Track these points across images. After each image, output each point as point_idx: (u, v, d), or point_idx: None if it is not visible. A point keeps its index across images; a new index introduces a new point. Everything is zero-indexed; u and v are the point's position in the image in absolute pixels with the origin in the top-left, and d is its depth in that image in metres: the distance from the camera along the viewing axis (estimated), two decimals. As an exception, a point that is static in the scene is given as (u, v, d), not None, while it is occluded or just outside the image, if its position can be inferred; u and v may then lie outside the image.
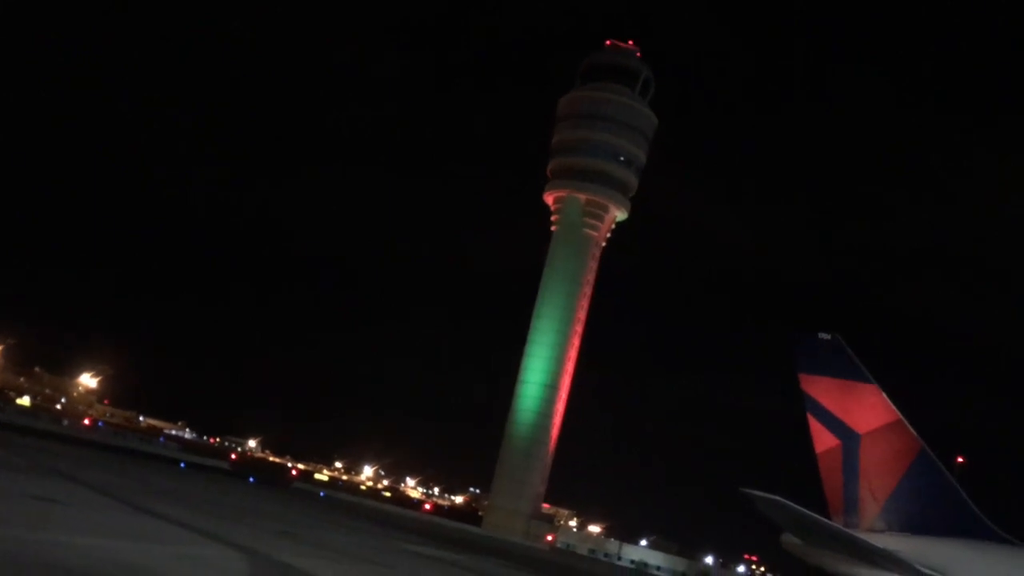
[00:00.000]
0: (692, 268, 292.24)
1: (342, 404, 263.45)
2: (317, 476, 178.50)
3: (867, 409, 37.84)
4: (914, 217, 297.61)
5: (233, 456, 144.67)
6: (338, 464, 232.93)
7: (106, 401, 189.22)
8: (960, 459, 43.86)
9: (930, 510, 35.86)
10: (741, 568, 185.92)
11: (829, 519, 36.91)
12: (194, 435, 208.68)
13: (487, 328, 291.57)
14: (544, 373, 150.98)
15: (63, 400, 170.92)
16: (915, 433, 37.30)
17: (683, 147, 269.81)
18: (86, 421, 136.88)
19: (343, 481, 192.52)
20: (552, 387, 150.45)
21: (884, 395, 37.95)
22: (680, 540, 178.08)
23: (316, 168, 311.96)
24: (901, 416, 37.53)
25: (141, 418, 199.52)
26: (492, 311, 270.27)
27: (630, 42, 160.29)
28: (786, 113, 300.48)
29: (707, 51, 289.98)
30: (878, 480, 36.88)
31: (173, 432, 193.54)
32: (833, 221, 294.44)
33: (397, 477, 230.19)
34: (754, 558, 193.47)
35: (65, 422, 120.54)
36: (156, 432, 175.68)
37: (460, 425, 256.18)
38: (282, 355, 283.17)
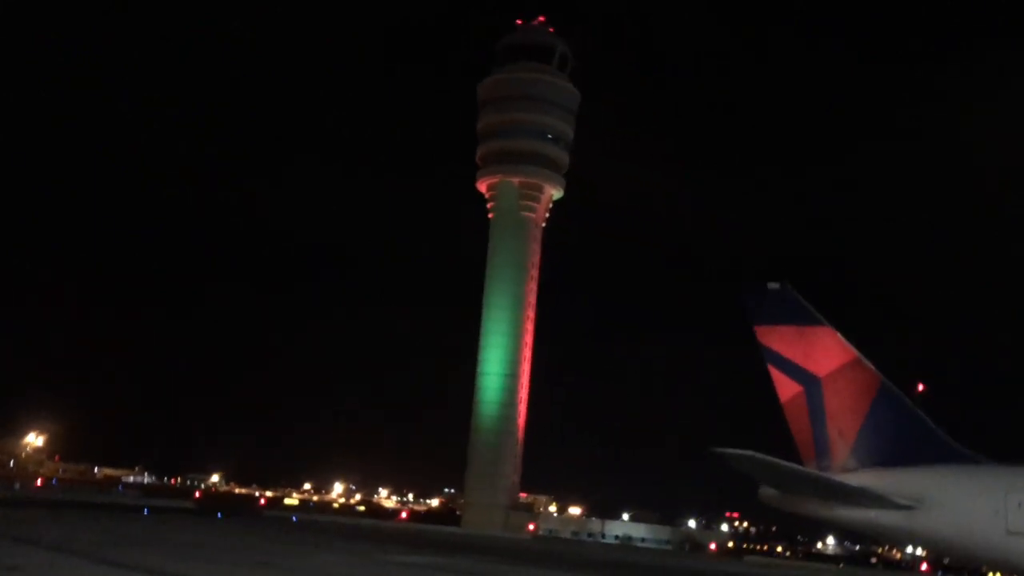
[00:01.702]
0: (635, 236, 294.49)
1: (300, 422, 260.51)
2: (287, 501, 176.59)
3: (824, 352, 38.47)
4: (847, 169, 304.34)
5: (197, 494, 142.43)
6: (307, 485, 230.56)
7: (57, 457, 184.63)
8: (921, 386, 44.84)
9: (899, 442, 36.62)
10: (724, 527, 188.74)
11: (802, 465, 37.49)
12: (153, 478, 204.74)
13: (438, 323, 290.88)
14: (502, 363, 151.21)
15: (11, 463, 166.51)
16: (874, 368, 38.03)
17: (614, 115, 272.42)
18: (38, 481, 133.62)
19: (314, 502, 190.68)
20: (512, 376, 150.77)
21: (839, 336, 38.60)
22: (660, 509, 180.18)
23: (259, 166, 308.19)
24: (858, 354, 38.23)
25: (96, 469, 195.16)
26: (441, 305, 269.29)
27: (541, 18, 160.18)
28: (711, 75, 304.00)
29: (630, 13, 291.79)
30: (844, 420, 37.56)
31: (131, 479, 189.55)
32: (770, 179, 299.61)
33: (369, 489, 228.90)
34: (735, 515, 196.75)
35: (17, 485, 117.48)
36: (114, 482, 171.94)
37: (425, 426, 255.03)
38: (230, 382, 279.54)
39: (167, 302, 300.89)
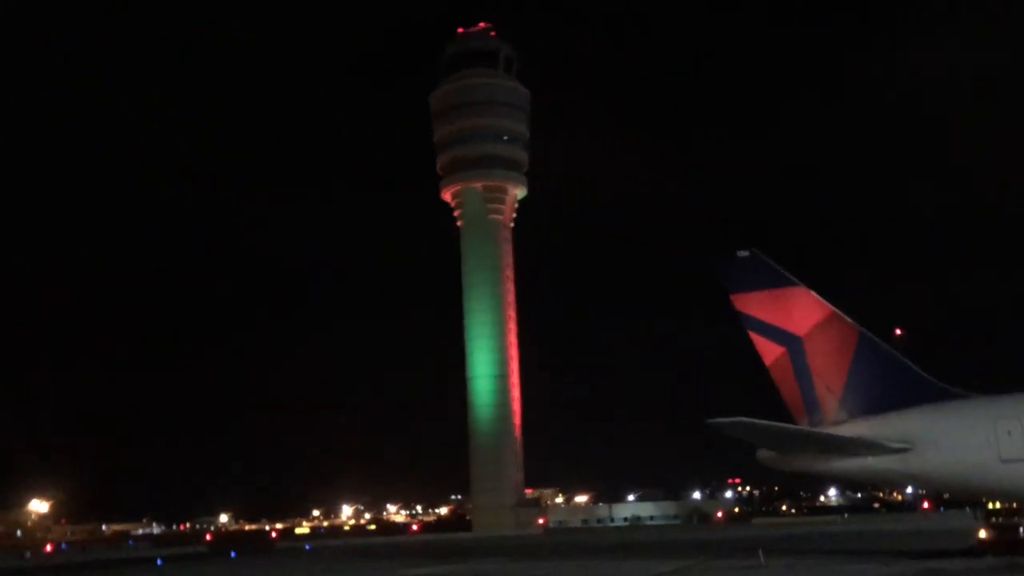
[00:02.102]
0: (604, 222, 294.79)
1: (301, 451, 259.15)
2: (298, 531, 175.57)
3: (801, 311, 38.92)
4: (798, 127, 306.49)
5: (208, 536, 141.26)
6: (316, 513, 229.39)
7: (63, 520, 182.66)
8: (898, 332, 45.40)
9: (885, 388, 37.12)
10: (728, 494, 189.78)
11: (794, 424, 37.91)
12: (163, 528, 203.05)
13: (423, 335, 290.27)
14: (490, 365, 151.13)
15: (18, 533, 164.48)
16: (851, 321, 38.53)
17: (568, 106, 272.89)
18: (48, 548, 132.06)
19: (325, 528, 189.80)
20: (502, 376, 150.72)
21: (813, 294, 39.06)
22: (664, 485, 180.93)
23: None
24: (834, 309, 38.71)
25: (104, 527, 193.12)
26: (424, 317, 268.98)
27: (481, 24, 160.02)
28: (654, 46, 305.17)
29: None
30: (829, 374, 38.02)
31: (140, 532, 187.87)
32: (727, 144, 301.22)
33: (378, 507, 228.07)
34: (737, 481, 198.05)
35: (27, 554, 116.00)
36: (123, 537, 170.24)
37: (424, 437, 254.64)
38: (227, 421, 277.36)
39: (152, 352, 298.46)
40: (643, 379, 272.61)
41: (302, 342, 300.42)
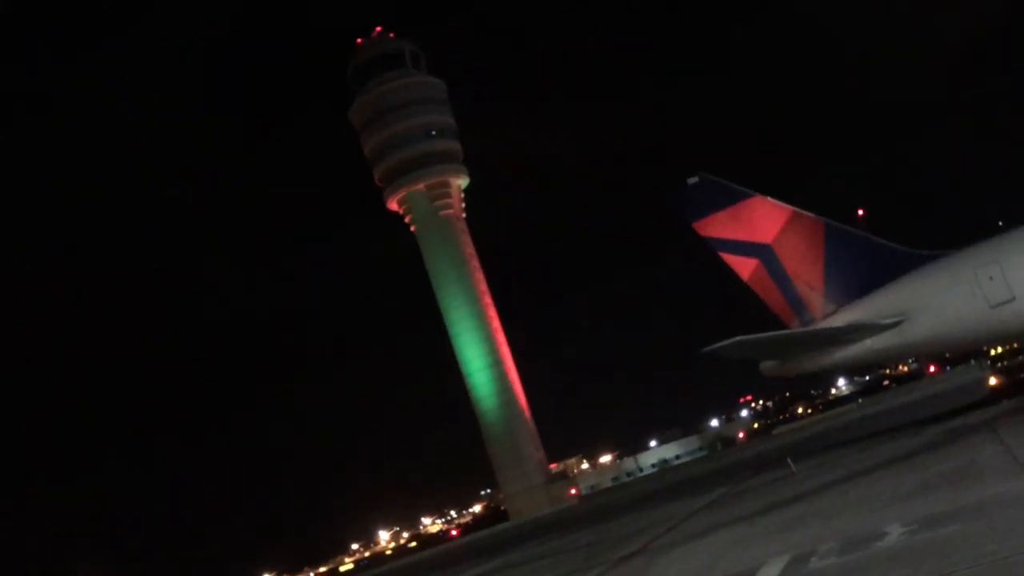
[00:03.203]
0: (549, 183, 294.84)
1: (324, 491, 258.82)
2: (342, 569, 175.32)
3: (762, 220, 39.02)
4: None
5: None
6: (355, 546, 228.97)
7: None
8: (861, 212, 45.57)
9: (863, 270, 37.36)
10: (744, 412, 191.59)
11: (786, 329, 38.13)
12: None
13: (412, 347, 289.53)
14: (482, 356, 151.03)
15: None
16: (813, 214, 38.68)
17: (486, 83, 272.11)
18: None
19: (368, 559, 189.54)
20: (496, 364, 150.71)
21: (769, 199, 39.17)
22: (681, 423, 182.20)
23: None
24: (793, 208, 38.84)
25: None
26: (407, 328, 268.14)
27: (378, 28, 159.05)
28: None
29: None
30: (806, 272, 38.19)
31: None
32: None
33: (414, 523, 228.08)
34: (749, 398, 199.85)
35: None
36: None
37: (439, 443, 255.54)
38: (249, 485, 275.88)
39: (152, 435, 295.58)
40: (627, 329, 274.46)
41: (291, 394, 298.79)
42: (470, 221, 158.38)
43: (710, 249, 40.17)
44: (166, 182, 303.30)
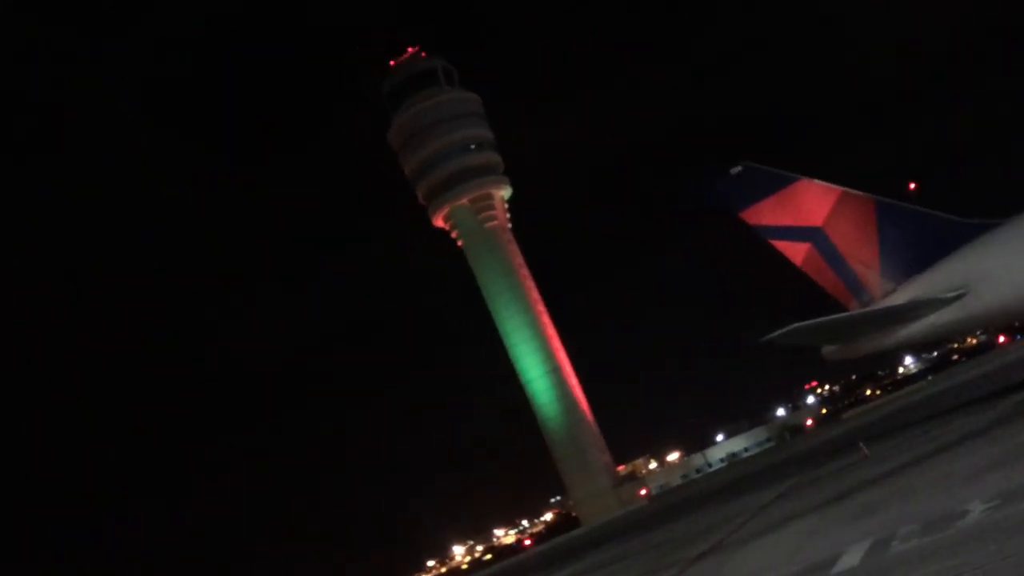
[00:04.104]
0: (591, 180, 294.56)
1: (393, 510, 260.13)
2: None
3: (811, 203, 38.44)
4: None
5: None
6: (430, 563, 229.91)
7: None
8: (912, 185, 44.62)
9: (920, 245, 36.56)
10: (810, 399, 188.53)
11: (846, 311, 37.49)
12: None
13: (468, 361, 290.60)
14: (539, 364, 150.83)
15: None
16: (863, 193, 38.01)
17: (524, 92, 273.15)
18: None
19: (443, 574, 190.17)
20: (554, 370, 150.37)
21: (816, 181, 38.60)
22: (747, 415, 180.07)
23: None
24: (842, 189, 38.21)
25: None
26: (463, 343, 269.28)
27: (409, 49, 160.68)
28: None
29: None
30: (861, 252, 37.51)
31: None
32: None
33: (486, 535, 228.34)
34: (814, 384, 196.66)
35: None
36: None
37: (504, 453, 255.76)
38: (307, 502, 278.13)
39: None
40: (678, 321, 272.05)
41: (350, 412, 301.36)
42: (516, 228, 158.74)
43: (759, 236, 39.69)
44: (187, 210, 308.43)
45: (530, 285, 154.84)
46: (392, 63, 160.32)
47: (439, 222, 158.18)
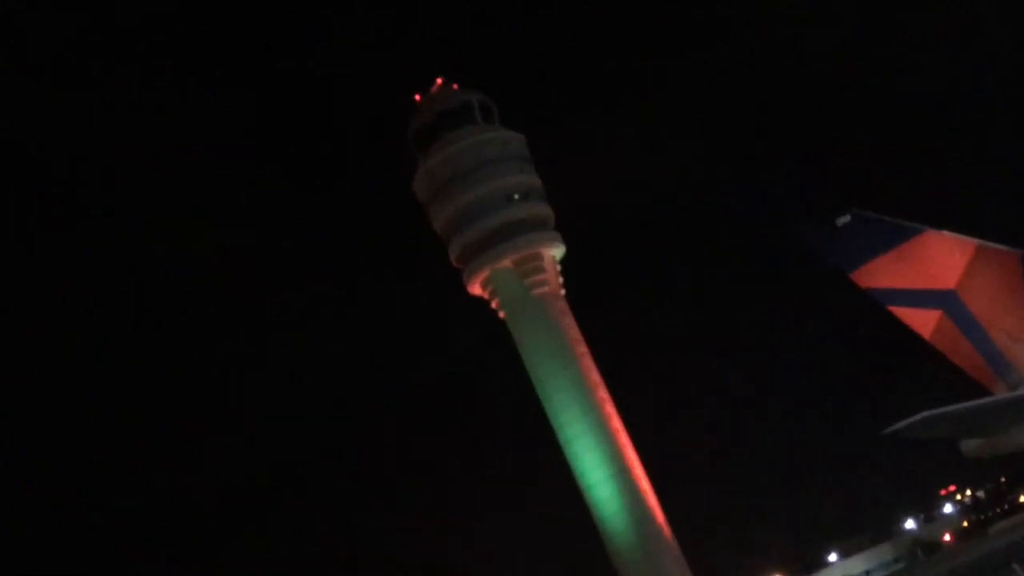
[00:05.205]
0: (652, 230, 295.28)
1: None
2: None
3: (942, 259, 38.09)
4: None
5: None
6: None
7: None
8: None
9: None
10: (947, 508, 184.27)
11: (988, 395, 36.86)
12: None
13: (503, 459, 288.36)
14: (603, 465, 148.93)
15: None
16: (1005, 247, 37.68)
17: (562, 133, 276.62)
18: None
19: None
20: (621, 472, 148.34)
21: (945, 233, 38.35)
22: (867, 527, 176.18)
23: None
24: (978, 241, 37.89)
25: None
26: (498, 433, 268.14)
27: (439, 81, 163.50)
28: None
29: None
30: (1006, 320, 36.96)
31: None
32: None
33: None
34: (951, 489, 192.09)
35: None
36: None
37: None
38: None
39: None
40: (776, 410, 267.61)
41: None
42: (570, 294, 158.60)
43: (875, 301, 39.40)
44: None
45: (589, 365, 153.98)
46: (417, 97, 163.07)
47: (476, 289, 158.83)
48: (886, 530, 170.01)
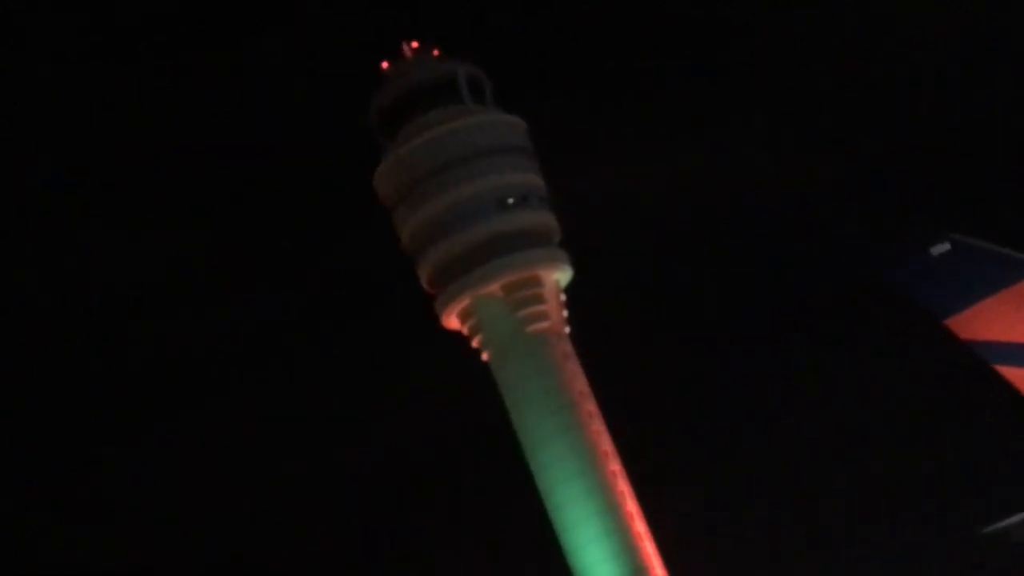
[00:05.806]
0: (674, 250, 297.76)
1: None
2: None
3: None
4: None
5: None
6: None
7: None
8: None
9: None
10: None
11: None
12: None
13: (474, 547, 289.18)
14: (613, 560, 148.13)
15: None
16: None
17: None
18: None
19: None
20: (638, 572, 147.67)
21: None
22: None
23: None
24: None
25: None
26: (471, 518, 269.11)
27: (414, 44, 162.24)
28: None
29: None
30: None
31: None
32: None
33: None
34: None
35: None
36: None
37: None
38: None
39: None
40: (834, 487, 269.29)
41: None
42: (576, 332, 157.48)
43: (976, 357, 39.26)
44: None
45: (599, 430, 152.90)
46: (385, 65, 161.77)
47: (452, 322, 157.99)
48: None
